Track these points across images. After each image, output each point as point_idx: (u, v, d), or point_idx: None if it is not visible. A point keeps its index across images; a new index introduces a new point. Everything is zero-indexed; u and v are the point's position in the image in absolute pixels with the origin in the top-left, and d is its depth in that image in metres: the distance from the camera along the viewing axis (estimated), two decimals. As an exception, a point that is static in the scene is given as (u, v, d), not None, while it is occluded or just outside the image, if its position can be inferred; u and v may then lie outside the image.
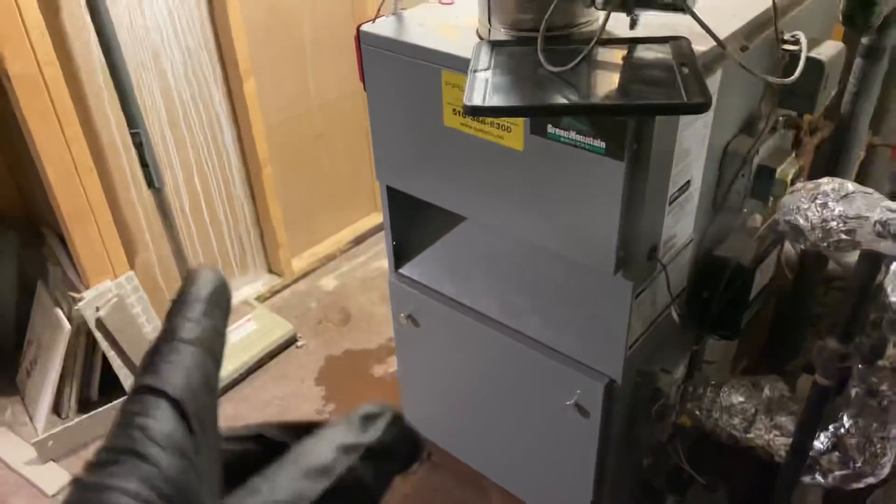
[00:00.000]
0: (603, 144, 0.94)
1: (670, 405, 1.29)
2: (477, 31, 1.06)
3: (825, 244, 0.97)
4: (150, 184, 1.76)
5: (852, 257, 1.08)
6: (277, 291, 2.37)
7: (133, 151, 1.74)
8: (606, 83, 0.92)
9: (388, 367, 2.07)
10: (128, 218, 1.93)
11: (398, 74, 1.11)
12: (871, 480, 1.17)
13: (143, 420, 0.23)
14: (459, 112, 1.06)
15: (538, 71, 0.89)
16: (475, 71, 0.88)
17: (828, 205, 0.96)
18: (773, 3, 1.01)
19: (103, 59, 1.62)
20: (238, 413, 1.95)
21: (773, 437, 1.25)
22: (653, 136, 0.92)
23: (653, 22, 0.97)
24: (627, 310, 1.10)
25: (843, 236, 0.94)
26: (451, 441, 1.64)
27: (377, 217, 2.61)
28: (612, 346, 1.16)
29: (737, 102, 1.14)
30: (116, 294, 1.84)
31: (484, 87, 0.85)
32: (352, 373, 2.07)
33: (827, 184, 0.98)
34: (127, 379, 1.90)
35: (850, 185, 0.97)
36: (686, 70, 0.84)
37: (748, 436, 1.28)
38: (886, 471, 1.16)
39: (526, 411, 1.38)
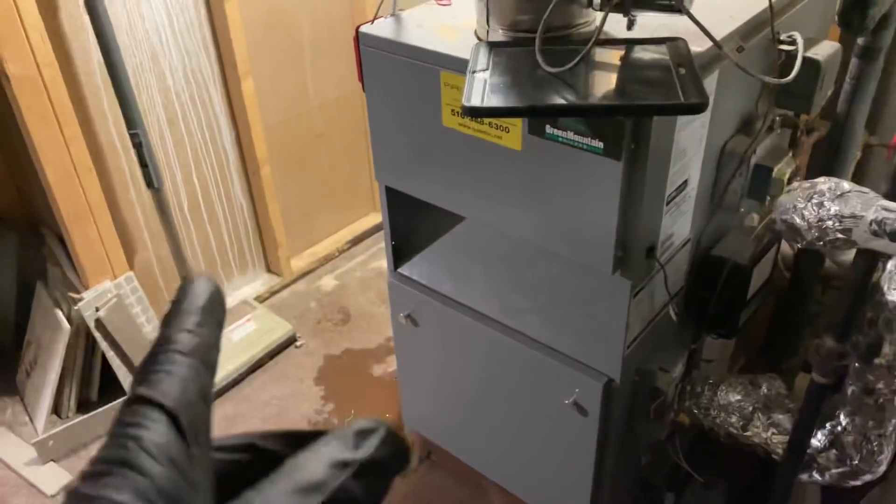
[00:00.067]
0: (601, 144, 0.94)
1: (668, 403, 1.30)
2: (475, 32, 1.06)
3: (821, 243, 0.98)
4: (149, 184, 1.76)
5: (849, 256, 1.08)
6: (276, 291, 2.38)
7: (132, 152, 1.74)
8: (604, 84, 0.93)
9: (387, 366, 2.07)
10: (127, 218, 1.93)
11: (397, 75, 1.12)
12: (868, 478, 1.18)
13: (138, 431, 0.23)
14: (458, 112, 1.07)
15: (536, 72, 0.89)
16: (473, 72, 0.89)
17: (824, 204, 0.96)
18: (770, 3, 1.02)
19: (102, 60, 1.63)
20: (238, 413, 1.96)
21: (771, 434, 1.26)
22: (650, 137, 0.92)
23: (650, 23, 0.97)
24: (626, 309, 1.10)
25: (839, 235, 0.95)
26: (450, 440, 1.65)
27: (376, 217, 2.61)
28: (610, 345, 1.16)
29: (734, 102, 1.15)
30: (116, 294, 1.84)
31: (482, 87, 0.86)
32: (351, 372, 2.07)
33: (823, 183, 0.99)
34: (126, 379, 1.90)
35: (846, 185, 0.97)
36: (683, 71, 0.85)
37: (746, 434, 1.29)
38: (883, 468, 1.16)
39: (525, 410, 1.39)
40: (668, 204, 1.06)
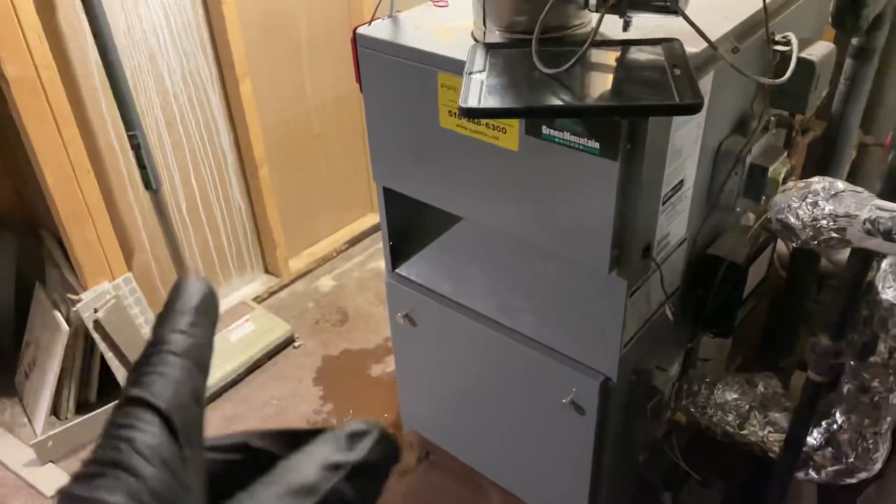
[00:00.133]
0: (597, 145, 0.95)
1: (665, 402, 1.31)
2: (472, 34, 1.07)
3: (816, 242, 0.98)
4: (147, 185, 1.76)
5: (844, 254, 1.09)
6: (275, 292, 2.38)
7: (130, 153, 1.74)
8: (600, 85, 0.93)
9: (385, 366, 2.08)
10: (125, 219, 1.93)
11: (394, 76, 1.12)
12: (863, 475, 1.19)
13: (130, 433, 0.23)
14: (455, 114, 1.07)
15: (533, 73, 0.90)
16: (470, 73, 0.89)
17: (818, 203, 0.97)
18: (764, 4, 1.03)
19: (100, 62, 1.63)
20: (236, 413, 1.96)
21: (768, 433, 1.27)
22: (646, 137, 0.93)
23: (646, 24, 0.98)
24: (622, 308, 1.11)
25: (834, 235, 0.95)
26: (448, 440, 1.65)
27: (374, 217, 2.62)
28: (607, 345, 1.17)
29: (729, 103, 1.15)
30: (114, 295, 1.84)
31: (479, 88, 0.86)
32: (349, 373, 2.08)
33: (817, 183, 1.00)
34: (125, 380, 1.90)
35: (840, 184, 0.98)
36: (678, 71, 0.85)
37: (742, 432, 1.29)
38: (878, 466, 1.17)
39: (523, 409, 1.39)
40: (664, 203, 1.07)
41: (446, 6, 1.19)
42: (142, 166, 1.73)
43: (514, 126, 1.02)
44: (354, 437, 0.27)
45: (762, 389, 1.30)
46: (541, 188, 1.06)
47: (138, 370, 0.25)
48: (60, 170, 1.69)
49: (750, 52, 1.09)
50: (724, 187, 1.21)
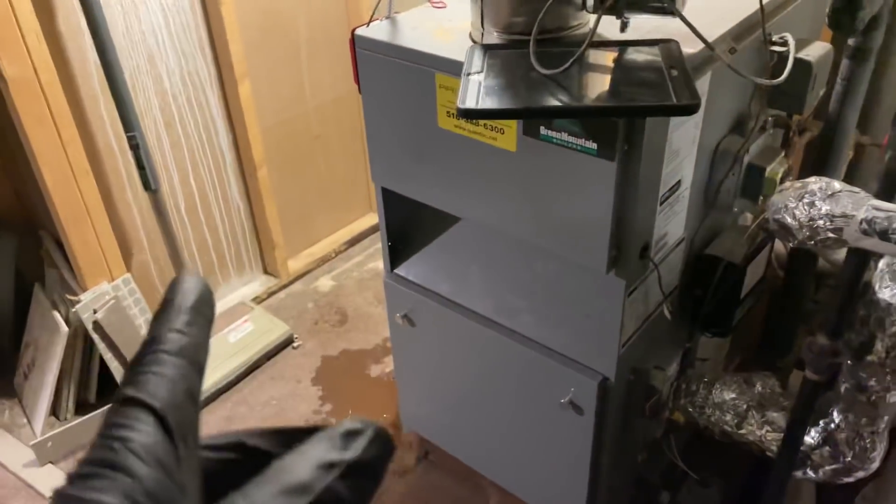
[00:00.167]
0: (594, 145, 0.95)
1: (664, 402, 1.31)
2: (470, 35, 1.07)
3: (812, 242, 0.99)
4: (146, 186, 1.77)
5: (841, 254, 1.09)
6: (274, 292, 2.38)
7: (129, 154, 1.74)
8: (597, 85, 0.94)
9: (384, 366, 2.08)
10: (124, 220, 1.94)
11: (392, 77, 1.13)
12: (861, 474, 1.19)
13: (126, 432, 0.23)
14: (453, 114, 1.07)
15: (530, 73, 0.90)
16: (468, 74, 0.90)
17: (815, 203, 0.97)
18: (761, 5, 1.03)
19: (99, 63, 1.63)
20: (235, 414, 1.96)
21: (766, 432, 1.27)
22: (643, 138, 0.93)
23: (643, 25, 0.98)
24: (620, 308, 1.11)
25: (830, 235, 0.96)
26: (447, 440, 1.66)
27: (373, 218, 2.62)
28: (605, 344, 1.17)
29: (726, 103, 1.16)
30: (113, 296, 1.85)
31: (477, 89, 0.87)
32: (348, 373, 2.08)
33: (814, 183, 1.00)
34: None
35: (837, 184, 0.98)
36: (675, 72, 0.86)
37: (741, 431, 1.30)
38: (876, 465, 1.18)
39: (521, 409, 1.40)
40: (661, 204, 1.07)
41: (444, 7, 1.19)
42: (141, 167, 1.73)
43: (512, 127, 1.02)
44: (349, 435, 0.27)
45: (760, 389, 1.30)
46: (539, 188, 1.06)
47: (134, 370, 0.25)
48: (59, 170, 1.69)
49: (747, 53, 1.09)
50: (722, 187, 1.22)
